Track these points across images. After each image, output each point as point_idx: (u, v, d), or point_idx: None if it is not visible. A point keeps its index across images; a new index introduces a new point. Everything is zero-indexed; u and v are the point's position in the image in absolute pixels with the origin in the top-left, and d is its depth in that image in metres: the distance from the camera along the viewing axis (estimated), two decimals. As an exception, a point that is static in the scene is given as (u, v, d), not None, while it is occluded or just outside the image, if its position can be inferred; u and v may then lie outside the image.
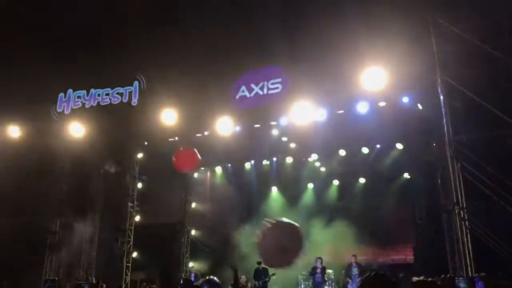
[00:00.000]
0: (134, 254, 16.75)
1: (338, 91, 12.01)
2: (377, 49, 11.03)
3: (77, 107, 14.07)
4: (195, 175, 19.97)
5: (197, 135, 14.74)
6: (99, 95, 13.92)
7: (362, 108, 12.55)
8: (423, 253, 15.61)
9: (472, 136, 11.29)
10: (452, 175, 11.25)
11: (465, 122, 11.35)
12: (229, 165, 19.48)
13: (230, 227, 18.22)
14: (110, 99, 13.77)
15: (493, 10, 10.86)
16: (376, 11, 10.85)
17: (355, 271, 14.14)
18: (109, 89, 13.86)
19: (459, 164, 11.10)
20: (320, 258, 14.58)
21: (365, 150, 16.64)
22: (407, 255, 17.39)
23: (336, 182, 19.06)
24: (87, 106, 13.99)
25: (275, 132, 15.20)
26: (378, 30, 10.73)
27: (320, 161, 18.36)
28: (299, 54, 11.87)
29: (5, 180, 13.45)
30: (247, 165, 19.13)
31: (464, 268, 10.65)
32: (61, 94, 14.27)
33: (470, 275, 10.28)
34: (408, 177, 17.37)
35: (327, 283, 14.73)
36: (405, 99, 12.40)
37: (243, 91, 12.63)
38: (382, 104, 12.51)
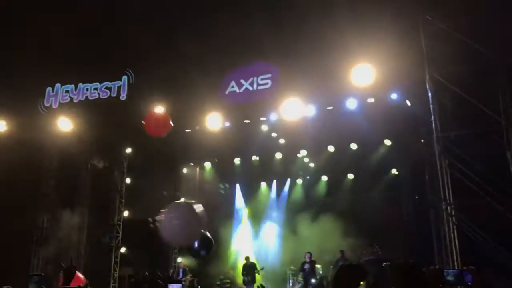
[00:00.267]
0: (123, 250, 16.69)
1: (327, 87, 12.04)
2: (366, 45, 11.07)
3: (65, 101, 13.93)
4: (184, 170, 19.93)
5: (186, 130, 14.69)
6: (87, 89, 13.80)
7: (351, 104, 12.60)
8: (410, 248, 15.73)
9: (460, 133, 11.39)
10: (439, 172, 11.35)
11: (453, 119, 11.45)
12: (219, 160, 19.47)
13: (219, 222, 18.23)
14: (98, 94, 13.66)
15: (482, 7, 10.94)
16: (365, 8, 10.87)
17: (343, 266, 14.23)
18: (98, 83, 13.75)
19: (446, 161, 11.20)
20: (309, 252, 14.67)
21: (353, 146, 16.73)
22: (394, 251, 17.51)
23: (324, 178, 19.16)
24: (75, 101, 13.86)
25: (264, 128, 15.22)
26: (368, 26, 10.76)
27: (309, 157, 18.42)
28: (289, 50, 11.87)
29: (-9, 175, 13.31)
30: (237, 161, 19.14)
31: (450, 263, 10.77)
32: (49, 89, 14.12)
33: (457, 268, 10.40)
34: (396, 173, 17.51)
35: (316, 278, 14.82)
36: (394, 96, 12.47)
37: (232, 87, 12.61)
38: (370, 100, 12.57)
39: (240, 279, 16.08)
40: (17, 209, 14.42)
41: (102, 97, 13.64)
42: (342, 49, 11.29)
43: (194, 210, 8.25)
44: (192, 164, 20.12)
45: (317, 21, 11.29)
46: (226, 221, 18.70)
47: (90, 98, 13.75)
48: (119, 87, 13.54)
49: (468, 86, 10.70)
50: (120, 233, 16.48)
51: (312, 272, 14.50)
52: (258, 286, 4.11)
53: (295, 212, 18.66)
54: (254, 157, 18.82)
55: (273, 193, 19.78)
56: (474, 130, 11.20)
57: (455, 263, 10.66)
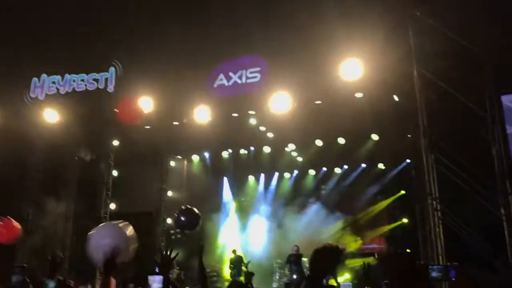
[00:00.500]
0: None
1: (316, 81, 12.05)
2: (354, 40, 11.09)
3: (52, 92, 13.79)
4: (172, 163, 19.87)
5: (174, 123, 14.63)
6: (74, 80, 13.66)
7: (339, 99, 12.64)
8: (396, 242, 15.91)
9: (446, 128, 11.49)
10: (426, 166, 11.45)
11: (440, 115, 11.55)
12: (206, 154, 19.44)
13: (206, 216, 18.22)
14: (85, 85, 13.53)
15: (469, 4, 11.01)
16: (354, 3, 10.89)
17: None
18: (85, 74, 13.62)
19: (433, 156, 11.30)
20: (296, 246, 14.71)
21: (341, 140, 16.80)
22: (380, 244, 17.69)
23: (312, 172, 19.23)
24: (61, 92, 13.72)
25: (253, 121, 15.20)
26: (356, 21, 10.78)
27: (297, 151, 18.46)
28: (278, 44, 11.85)
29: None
30: (225, 154, 19.11)
31: (435, 258, 10.90)
32: (35, 79, 13.96)
33: (441, 264, 10.54)
34: (383, 167, 17.63)
35: (303, 270, 14.87)
36: (381, 91, 12.52)
37: (221, 80, 12.57)
38: (358, 95, 12.62)
39: (227, 272, 16.13)
40: (2, 201, 14.26)
41: (89, 89, 13.52)
42: (330, 44, 11.31)
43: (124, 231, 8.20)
44: (179, 157, 20.06)
45: (306, 15, 11.28)
46: (213, 214, 18.69)
47: (77, 90, 13.62)
48: (106, 79, 13.43)
49: (455, 82, 10.79)
50: (107, 225, 16.37)
51: (298, 265, 14.55)
52: (245, 272, 4.09)
53: (282, 206, 18.71)
54: (242, 151, 18.81)
55: (261, 187, 19.80)
56: (460, 126, 11.31)
57: (440, 258, 10.79)
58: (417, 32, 11.40)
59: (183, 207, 8.91)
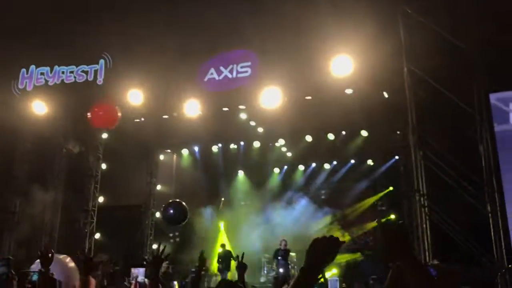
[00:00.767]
0: (97, 236, 16.55)
1: (306, 77, 12.07)
2: (345, 36, 11.12)
3: (40, 84, 13.65)
4: (161, 157, 19.82)
5: (164, 116, 14.57)
6: (63, 72, 13.54)
7: (329, 94, 12.67)
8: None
9: (435, 125, 11.58)
10: (414, 163, 11.54)
11: (429, 112, 11.63)
12: (196, 148, 19.40)
13: (195, 210, 18.22)
14: (74, 77, 13.41)
15: (460, 2, 11.09)
16: (346, -1, 10.92)
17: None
18: (74, 66, 13.49)
19: (421, 152, 11.38)
20: (284, 240, 14.75)
21: (330, 136, 16.86)
22: (369, 240, 17.82)
23: (301, 167, 19.29)
24: (50, 84, 13.59)
25: (243, 116, 15.18)
26: (347, 17, 10.80)
27: (286, 146, 18.50)
28: (268, 39, 11.83)
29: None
30: (214, 148, 19.09)
31: (422, 254, 10.99)
32: (23, 70, 13.81)
33: (427, 260, 10.64)
34: (372, 163, 17.73)
35: (290, 265, 14.93)
36: (372, 87, 12.57)
37: (212, 74, 12.53)
38: (349, 91, 12.65)
39: (215, 266, 16.14)
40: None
41: (79, 81, 13.40)
42: (321, 40, 11.32)
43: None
44: (169, 150, 20.01)
45: (297, 11, 11.27)
46: (202, 209, 18.69)
47: (66, 82, 13.49)
48: (96, 71, 13.32)
49: (444, 80, 10.87)
50: (95, 218, 16.32)
51: (285, 259, 14.60)
52: (238, 265, 4.12)
53: (271, 201, 18.76)
54: (232, 145, 18.81)
55: (250, 181, 19.81)
56: (449, 123, 11.41)
57: (427, 254, 10.89)
58: (408, 29, 11.46)
59: (172, 200, 8.90)
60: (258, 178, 19.57)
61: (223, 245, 16.22)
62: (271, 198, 18.94)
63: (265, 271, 16.31)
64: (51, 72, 13.63)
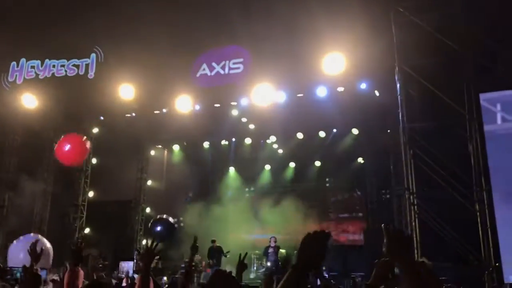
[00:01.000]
0: (87, 230, 16.48)
1: (298, 74, 12.09)
2: (337, 34, 11.14)
3: (30, 77, 13.54)
4: (152, 152, 19.75)
5: (155, 112, 14.53)
6: (54, 66, 13.44)
7: (321, 92, 12.71)
8: (372, 236, 16.10)
9: (426, 124, 11.65)
10: (404, 162, 11.60)
11: (420, 111, 11.69)
12: (187, 143, 19.35)
13: (185, 205, 18.20)
14: (65, 71, 13.32)
15: (451, 2, 11.15)
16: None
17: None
18: (65, 60, 13.40)
19: (411, 151, 11.44)
20: (274, 237, 14.78)
21: (322, 134, 16.90)
22: (358, 238, 17.90)
23: (292, 165, 19.31)
24: (41, 77, 13.48)
25: (235, 112, 15.17)
26: (340, 15, 10.82)
27: (278, 143, 18.51)
28: (261, 36, 11.82)
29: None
30: (205, 144, 19.05)
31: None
32: (13, 63, 13.69)
33: (415, 258, 10.70)
34: (362, 161, 17.79)
35: (280, 262, 14.96)
36: (363, 85, 12.62)
37: (204, 69, 12.51)
38: (340, 89, 12.69)
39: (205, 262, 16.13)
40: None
41: (69, 75, 13.32)
42: (314, 37, 11.34)
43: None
44: (160, 146, 19.95)
45: (289, 8, 11.28)
46: (193, 205, 18.66)
47: (56, 75, 13.40)
48: (87, 65, 13.24)
49: (435, 79, 10.93)
50: (85, 213, 16.25)
51: (275, 256, 14.64)
52: (239, 263, 4.13)
53: (262, 197, 18.78)
54: (224, 142, 18.78)
55: (241, 178, 19.81)
56: (439, 122, 11.48)
57: (415, 252, 10.96)
58: (400, 28, 11.50)
59: (160, 217, 8.86)
60: (249, 175, 19.58)
61: (213, 241, 16.20)
62: (262, 194, 18.96)
63: (255, 268, 16.33)
64: (41, 66, 13.53)
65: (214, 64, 12.46)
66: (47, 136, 15.75)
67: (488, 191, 10.56)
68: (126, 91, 12.94)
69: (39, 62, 13.56)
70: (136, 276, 13.44)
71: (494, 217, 10.37)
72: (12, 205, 14.91)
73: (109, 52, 13.12)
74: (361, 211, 17.92)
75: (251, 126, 16.85)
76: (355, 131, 16.41)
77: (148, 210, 19.22)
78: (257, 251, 16.25)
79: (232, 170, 20.02)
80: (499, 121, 11.01)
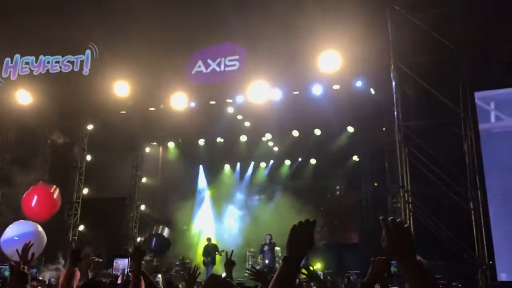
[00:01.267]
0: (81, 227, 16.43)
1: (294, 72, 12.08)
2: (333, 32, 11.14)
3: (25, 73, 13.45)
4: (147, 149, 19.70)
5: (150, 109, 14.48)
6: (48, 62, 13.36)
7: (317, 90, 12.71)
8: (367, 234, 16.14)
9: (421, 122, 11.68)
10: (399, 160, 11.62)
11: (415, 109, 11.72)
12: (182, 141, 19.31)
13: (180, 203, 18.17)
14: (60, 67, 13.25)
15: (447, 1, 11.18)
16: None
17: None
18: (60, 56, 13.32)
19: (406, 149, 11.47)
20: (269, 234, 14.80)
21: (317, 131, 16.90)
22: (352, 236, 17.95)
23: (288, 162, 19.33)
24: (35, 73, 13.40)
25: (230, 109, 15.15)
26: (336, 13, 10.82)
27: (273, 140, 18.51)
28: (257, 33, 11.79)
29: None
30: (201, 142, 19.03)
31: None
32: (7, 59, 13.59)
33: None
34: (357, 159, 17.82)
35: (276, 259, 14.99)
36: (359, 84, 12.64)
37: (199, 67, 12.47)
38: (336, 87, 12.69)
39: (200, 260, 16.13)
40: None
41: (64, 71, 13.24)
42: (309, 35, 11.33)
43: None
44: (155, 143, 19.90)
45: (285, 5, 11.26)
46: (188, 202, 18.65)
47: (51, 71, 13.32)
48: (82, 62, 13.17)
49: (430, 78, 10.95)
50: (79, 210, 16.19)
51: (271, 254, 14.66)
52: (227, 261, 4.08)
53: (257, 195, 18.79)
54: (219, 139, 18.76)
55: (237, 176, 19.81)
56: (434, 121, 11.52)
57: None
58: (396, 26, 11.51)
59: (155, 232, 8.78)
60: (244, 172, 19.58)
61: (208, 239, 16.20)
62: (257, 192, 18.96)
63: (249, 265, 16.34)
64: (36, 62, 13.44)
65: (209, 61, 12.42)
66: (41, 133, 15.68)
67: (482, 190, 10.61)
68: (121, 88, 12.88)
69: (33, 58, 13.47)
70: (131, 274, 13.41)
71: (488, 216, 10.41)
72: (6, 201, 14.82)
73: (104, 48, 13.05)
74: (356, 209, 17.95)
75: (247, 124, 16.83)
76: (350, 129, 16.43)
77: (143, 207, 19.18)
78: (252, 249, 16.27)
79: (227, 167, 20.03)
80: (492, 119, 11.05)
